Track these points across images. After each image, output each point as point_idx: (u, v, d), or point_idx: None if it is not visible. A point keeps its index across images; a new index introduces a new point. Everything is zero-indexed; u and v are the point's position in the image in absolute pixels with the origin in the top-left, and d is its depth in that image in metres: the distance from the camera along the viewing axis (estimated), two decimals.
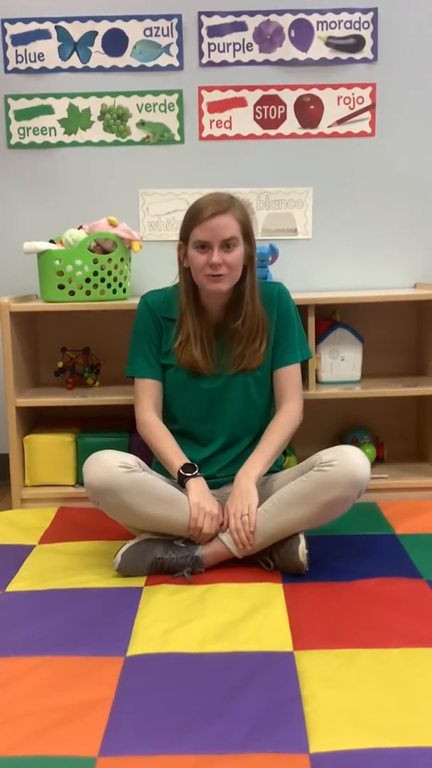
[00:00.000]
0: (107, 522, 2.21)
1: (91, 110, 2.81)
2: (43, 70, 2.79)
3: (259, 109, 2.81)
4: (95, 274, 2.54)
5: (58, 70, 2.79)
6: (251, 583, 1.96)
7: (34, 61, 2.78)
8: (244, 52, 2.77)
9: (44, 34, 2.76)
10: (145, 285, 2.42)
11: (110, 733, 1.36)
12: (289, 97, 2.80)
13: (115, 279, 2.58)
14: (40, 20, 2.76)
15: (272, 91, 2.80)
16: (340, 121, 2.81)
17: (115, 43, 2.77)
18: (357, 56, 2.77)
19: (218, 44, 2.76)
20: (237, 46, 2.77)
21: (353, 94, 2.80)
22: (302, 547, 1.98)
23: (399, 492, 2.59)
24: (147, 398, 2.20)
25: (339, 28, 2.75)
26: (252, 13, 2.75)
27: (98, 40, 2.77)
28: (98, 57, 2.78)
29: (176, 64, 2.78)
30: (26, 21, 2.76)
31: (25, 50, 2.77)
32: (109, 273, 2.56)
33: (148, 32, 2.76)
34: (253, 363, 2.15)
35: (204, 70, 2.79)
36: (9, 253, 2.83)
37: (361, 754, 1.29)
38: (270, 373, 2.21)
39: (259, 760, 1.28)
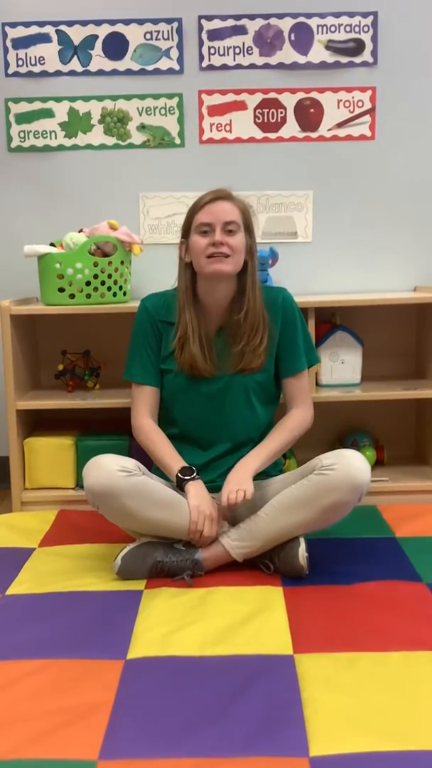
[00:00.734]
0: (107, 525, 2.21)
1: (92, 114, 2.81)
2: (44, 74, 2.80)
3: (259, 112, 2.81)
4: (95, 277, 2.54)
5: (58, 73, 2.80)
6: (251, 586, 1.96)
7: (35, 64, 2.79)
8: (244, 55, 2.78)
9: (45, 38, 2.77)
10: (146, 288, 2.42)
11: (110, 736, 1.36)
12: (289, 101, 2.80)
13: (115, 282, 2.58)
14: (41, 24, 2.76)
15: (272, 95, 2.80)
16: (340, 125, 2.82)
17: (116, 46, 2.77)
18: (357, 60, 2.78)
19: (218, 48, 2.77)
20: (237, 50, 2.77)
21: (353, 97, 2.80)
22: (302, 550, 1.98)
23: (399, 495, 2.59)
24: (143, 404, 2.20)
25: (339, 31, 2.76)
26: (252, 17, 2.75)
27: (99, 44, 2.77)
28: (99, 60, 2.79)
29: (176, 67, 2.78)
30: (27, 25, 2.76)
31: (26, 54, 2.78)
32: (110, 276, 2.56)
33: (148, 36, 2.77)
34: (252, 362, 2.14)
35: (204, 74, 2.79)
36: (9, 256, 2.83)
37: (361, 757, 1.29)
38: (270, 377, 2.21)
39: (259, 764, 1.29)
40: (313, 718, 1.40)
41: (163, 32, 2.76)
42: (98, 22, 2.76)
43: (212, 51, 2.77)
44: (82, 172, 2.84)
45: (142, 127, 2.82)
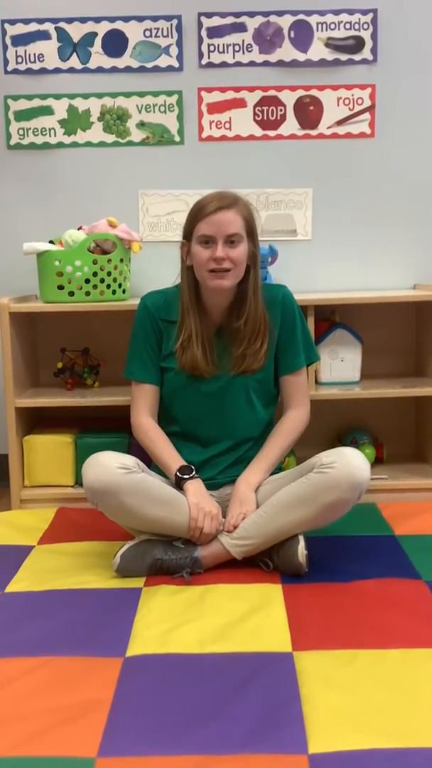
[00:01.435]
0: (106, 523, 2.21)
1: (91, 111, 2.81)
2: (43, 71, 2.79)
3: (258, 110, 2.81)
4: (95, 274, 2.54)
5: (57, 70, 2.79)
6: (250, 584, 1.95)
7: (34, 61, 2.78)
8: (243, 53, 2.77)
9: (44, 35, 2.77)
10: (145, 286, 2.42)
11: (109, 734, 1.36)
12: (289, 98, 2.80)
13: (114, 280, 2.58)
14: (40, 21, 2.76)
15: (272, 92, 2.80)
16: (340, 122, 2.81)
17: (115, 43, 2.77)
18: (357, 57, 2.78)
19: (218, 45, 2.76)
20: (237, 47, 2.77)
21: (353, 95, 2.80)
22: (301, 548, 1.98)
23: (398, 493, 2.59)
24: (143, 402, 2.20)
25: (339, 29, 2.75)
26: (252, 14, 2.75)
27: (98, 41, 2.77)
28: (98, 58, 2.78)
29: (176, 65, 2.78)
30: (26, 22, 2.76)
31: (25, 51, 2.77)
32: (109, 274, 2.56)
33: (147, 33, 2.76)
34: (253, 365, 2.14)
35: (204, 71, 2.79)
36: (8, 253, 2.83)
37: (359, 754, 1.29)
38: (270, 376, 2.21)
39: (258, 761, 1.28)
40: (312, 716, 1.40)
41: (162, 29, 2.76)
42: (98, 20, 2.76)
43: (212, 48, 2.77)
44: (81, 170, 2.84)
45: (141, 125, 2.82)
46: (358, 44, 2.76)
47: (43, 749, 1.33)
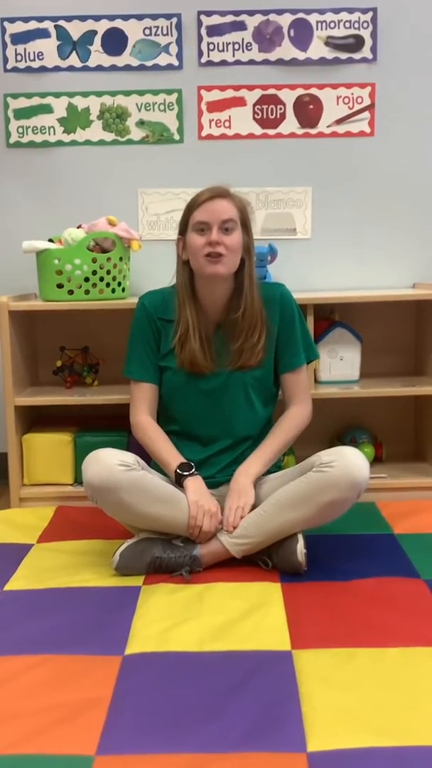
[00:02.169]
0: (105, 521, 2.21)
1: (91, 109, 2.81)
2: (43, 69, 2.79)
3: (258, 108, 2.81)
4: (94, 273, 2.54)
5: (57, 69, 2.79)
6: (249, 582, 1.96)
7: (34, 60, 2.78)
8: (243, 51, 2.77)
9: (43, 33, 2.76)
10: (144, 284, 2.42)
11: (108, 732, 1.36)
12: (289, 97, 2.80)
13: (114, 278, 2.58)
14: (40, 19, 2.76)
15: (271, 91, 2.80)
16: (340, 121, 2.81)
17: (115, 42, 2.77)
18: (356, 56, 2.77)
19: (218, 44, 2.76)
20: (236, 46, 2.77)
21: (352, 93, 2.80)
22: (300, 547, 1.98)
23: (397, 492, 2.60)
24: (142, 401, 2.21)
25: (338, 27, 2.75)
26: (251, 13, 2.75)
27: (97, 39, 2.77)
28: (97, 56, 2.78)
29: (175, 63, 2.78)
30: (25, 20, 2.76)
31: (25, 49, 2.77)
32: (108, 272, 2.56)
33: (147, 31, 2.76)
34: (251, 360, 2.15)
35: (203, 70, 2.79)
36: (8, 251, 2.83)
37: (358, 753, 1.29)
38: (269, 375, 2.21)
39: (257, 759, 1.29)
40: (311, 714, 1.40)
41: (162, 28, 2.76)
42: (97, 18, 2.76)
43: (211, 47, 2.77)
44: (80, 168, 2.84)
45: (141, 123, 2.81)
46: (357, 43, 2.76)
47: (41, 747, 1.33)
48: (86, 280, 2.53)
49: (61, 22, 2.76)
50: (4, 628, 1.76)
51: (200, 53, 2.77)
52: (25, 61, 2.78)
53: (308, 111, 2.81)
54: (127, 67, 2.79)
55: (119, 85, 2.80)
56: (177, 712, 1.42)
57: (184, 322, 2.14)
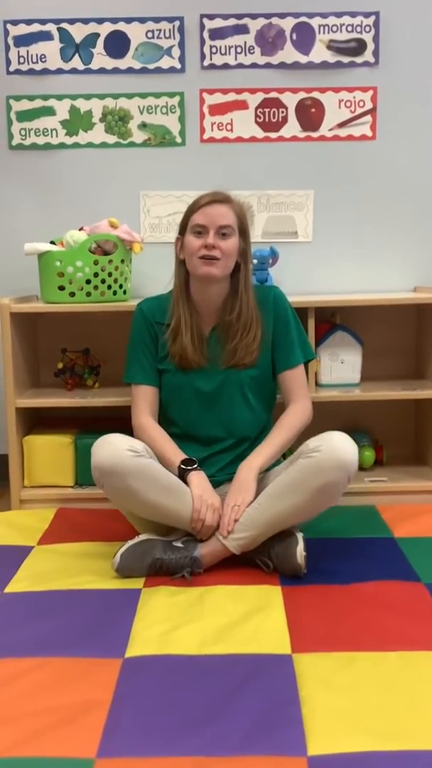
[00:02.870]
0: (106, 523, 2.21)
1: (93, 112, 2.81)
2: (45, 72, 2.79)
3: (260, 111, 2.81)
4: (96, 275, 2.54)
5: (60, 71, 2.79)
6: (250, 585, 1.96)
7: (36, 62, 2.78)
8: (245, 54, 2.78)
9: (46, 36, 2.77)
10: (146, 287, 2.43)
11: (108, 735, 1.36)
12: (291, 100, 2.80)
13: (115, 280, 2.58)
14: (43, 22, 2.76)
15: (273, 94, 2.80)
16: (341, 125, 2.82)
17: (117, 44, 2.77)
18: (358, 60, 2.78)
19: (220, 47, 2.77)
20: (239, 49, 2.77)
21: (354, 97, 2.80)
22: (300, 549, 1.99)
23: (398, 495, 2.59)
24: (143, 403, 2.22)
25: (341, 31, 2.76)
26: (254, 16, 2.75)
27: (100, 42, 2.77)
28: (100, 59, 2.79)
29: (178, 66, 2.78)
30: (28, 22, 2.76)
31: (27, 51, 2.78)
32: (110, 274, 2.56)
33: (150, 34, 2.77)
34: (245, 358, 2.17)
35: (205, 73, 2.79)
36: (10, 253, 2.83)
37: (358, 756, 1.29)
38: (267, 375, 2.23)
39: (257, 763, 1.29)
40: (311, 718, 1.40)
41: (164, 31, 2.76)
42: (100, 21, 2.76)
43: (214, 50, 2.77)
44: (83, 171, 2.84)
45: (143, 126, 2.82)
46: (360, 47, 2.77)
47: (42, 750, 1.33)
48: (88, 282, 2.54)
49: (64, 25, 2.76)
50: (5, 630, 1.76)
51: (203, 56, 2.78)
52: (28, 64, 2.78)
53: (310, 114, 2.81)
54: (130, 70, 2.79)
55: (122, 88, 2.80)
56: (177, 715, 1.42)
57: (177, 318, 2.18)
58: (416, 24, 2.76)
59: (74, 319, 2.77)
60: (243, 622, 1.76)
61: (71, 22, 2.76)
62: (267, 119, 2.81)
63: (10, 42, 2.77)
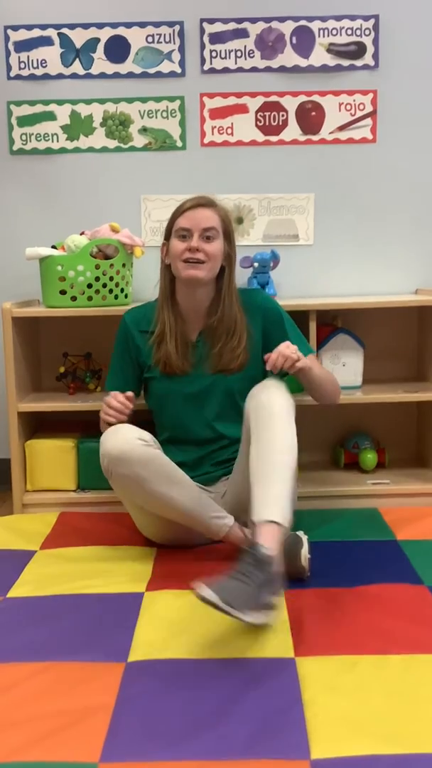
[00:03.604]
0: (109, 527, 2.21)
1: (94, 117, 2.82)
2: (46, 77, 2.80)
3: (260, 115, 2.81)
4: (97, 279, 2.54)
5: (60, 76, 2.80)
6: None
7: (37, 67, 2.79)
8: (245, 58, 2.78)
9: (47, 41, 2.78)
10: (147, 290, 2.42)
11: (111, 739, 1.36)
12: (291, 104, 2.81)
13: (117, 284, 2.58)
14: (43, 27, 2.77)
15: (274, 98, 2.81)
16: (342, 128, 2.82)
17: (118, 49, 2.78)
18: (358, 63, 2.78)
19: (220, 51, 2.77)
20: (239, 53, 2.78)
21: (354, 100, 2.80)
22: (305, 552, 1.98)
23: (400, 498, 2.59)
24: None
25: (340, 34, 2.76)
26: (254, 20, 2.76)
27: (100, 47, 2.78)
28: (100, 63, 2.79)
29: (178, 70, 2.79)
30: (29, 28, 2.77)
31: (28, 57, 2.78)
32: (111, 278, 2.57)
33: (150, 39, 2.77)
34: (231, 363, 2.19)
35: (206, 77, 2.80)
36: (11, 258, 2.84)
37: (361, 760, 1.29)
38: (256, 378, 2.17)
39: (260, 766, 1.28)
40: (314, 721, 1.39)
41: (164, 35, 2.77)
42: (100, 26, 2.77)
43: (214, 54, 2.78)
44: (83, 175, 2.85)
45: (143, 130, 2.82)
46: (359, 50, 2.77)
47: (45, 754, 1.32)
48: (89, 286, 2.54)
49: (65, 30, 2.77)
50: (7, 635, 1.76)
51: (203, 60, 2.78)
52: (29, 69, 2.79)
53: (310, 118, 2.82)
54: (130, 75, 2.80)
55: (122, 93, 2.81)
56: (180, 718, 1.42)
57: (161, 323, 2.21)
58: (416, 27, 2.76)
59: (76, 324, 2.77)
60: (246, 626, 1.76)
61: (71, 27, 2.77)
62: (267, 123, 2.82)
63: (11, 47, 2.78)
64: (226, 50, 2.77)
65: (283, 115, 2.81)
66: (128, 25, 2.77)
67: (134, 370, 2.29)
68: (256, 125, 2.82)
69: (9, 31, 2.77)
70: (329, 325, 2.73)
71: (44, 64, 2.79)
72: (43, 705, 1.47)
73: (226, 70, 2.79)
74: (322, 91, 2.80)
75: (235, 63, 2.78)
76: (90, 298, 2.55)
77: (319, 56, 2.78)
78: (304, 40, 2.77)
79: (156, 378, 2.24)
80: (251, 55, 2.78)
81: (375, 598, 1.89)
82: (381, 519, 2.45)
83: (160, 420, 2.29)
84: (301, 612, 1.82)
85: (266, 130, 2.82)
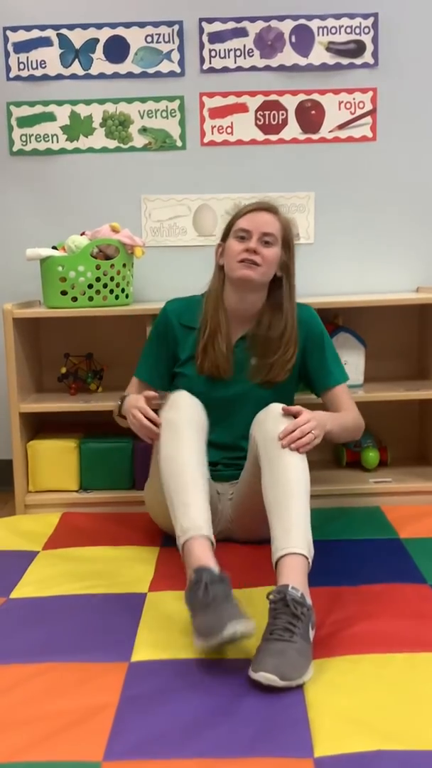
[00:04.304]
0: (111, 527, 2.21)
1: (93, 117, 2.82)
2: (45, 77, 2.80)
3: (260, 114, 2.81)
4: (98, 280, 2.54)
5: (59, 77, 2.80)
6: (255, 587, 1.95)
7: (36, 68, 2.79)
8: (245, 58, 2.78)
9: (46, 42, 2.78)
10: (148, 291, 2.43)
11: (114, 738, 1.36)
12: (291, 103, 2.81)
13: (117, 285, 2.58)
14: (42, 28, 2.77)
15: (273, 97, 2.81)
16: (342, 126, 2.82)
17: (117, 49, 2.78)
18: (358, 61, 2.78)
19: (219, 50, 2.77)
20: (238, 52, 2.78)
21: (354, 98, 2.80)
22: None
23: (403, 496, 2.59)
24: (133, 392, 2.25)
25: (340, 33, 2.76)
26: (253, 19, 2.76)
27: (100, 47, 2.78)
28: (100, 64, 2.79)
29: (177, 70, 2.79)
30: (28, 29, 2.77)
31: (27, 57, 2.78)
32: (112, 279, 2.57)
33: (149, 39, 2.77)
34: (279, 375, 2.17)
35: (205, 76, 2.80)
36: (12, 259, 2.84)
37: (364, 757, 1.29)
38: (289, 393, 2.21)
39: (264, 764, 1.28)
40: (318, 719, 1.39)
41: (164, 35, 2.77)
42: (99, 26, 2.77)
43: (213, 53, 2.78)
44: (83, 176, 2.85)
45: (143, 130, 2.82)
46: (359, 48, 2.77)
47: (48, 754, 1.33)
48: (90, 287, 2.54)
49: (64, 31, 2.77)
50: (10, 635, 1.76)
51: (202, 60, 2.78)
52: (28, 70, 2.79)
53: (310, 116, 2.82)
54: (130, 75, 2.80)
55: (122, 93, 2.81)
56: (183, 717, 1.42)
57: (211, 326, 2.17)
58: (415, 25, 2.76)
59: (77, 324, 2.77)
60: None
61: (70, 27, 2.77)
62: (267, 122, 2.82)
63: (10, 48, 2.78)
64: (225, 49, 2.77)
65: (282, 114, 2.81)
66: (127, 25, 2.77)
67: (167, 361, 2.25)
68: (256, 124, 2.82)
69: (8, 33, 2.77)
70: (330, 323, 2.73)
71: (43, 65, 2.79)
72: (46, 705, 1.47)
73: (225, 69, 2.79)
74: (322, 90, 2.80)
75: (235, 62, 2.78)
76: (91, 299, 2.55)
77: (319, 55, 2.78)
78: (303, 39, 2.77)
79: (187, 375, 2.20)
80: (250, 54, 2.78)
81: (378, 597, 1.88)
82: (383, 517, 2.45)
83: None
84: None
85: (266, 129, 2.82)
